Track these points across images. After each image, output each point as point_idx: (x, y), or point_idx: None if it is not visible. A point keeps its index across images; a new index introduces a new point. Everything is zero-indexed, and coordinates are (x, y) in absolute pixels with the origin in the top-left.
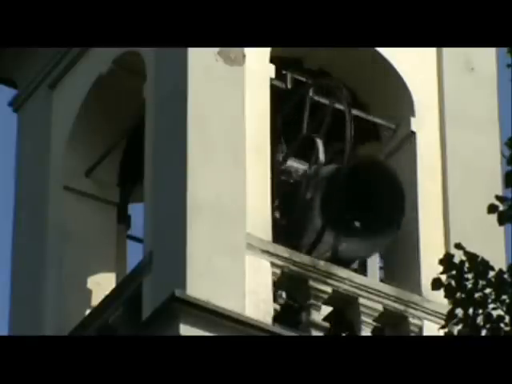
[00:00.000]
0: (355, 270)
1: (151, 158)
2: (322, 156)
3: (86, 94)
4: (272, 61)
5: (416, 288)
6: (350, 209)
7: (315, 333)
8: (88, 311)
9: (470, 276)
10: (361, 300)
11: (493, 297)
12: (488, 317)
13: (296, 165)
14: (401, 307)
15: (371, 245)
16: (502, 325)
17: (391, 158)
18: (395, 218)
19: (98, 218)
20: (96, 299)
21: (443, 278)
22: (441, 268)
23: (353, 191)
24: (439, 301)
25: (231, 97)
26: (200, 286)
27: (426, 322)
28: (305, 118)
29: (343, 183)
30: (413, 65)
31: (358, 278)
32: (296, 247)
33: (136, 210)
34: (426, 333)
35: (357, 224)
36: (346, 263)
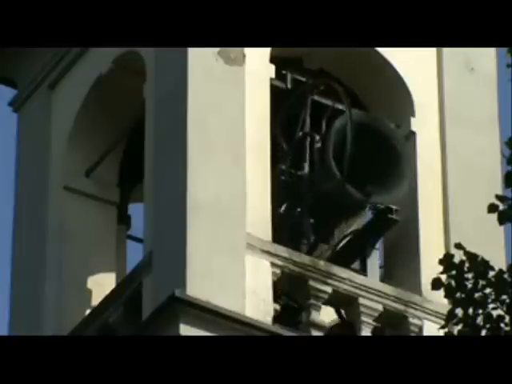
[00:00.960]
0: (355, 270)
1: (151, 158)
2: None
3: (86, 94)
4: (272, 61)
5: (416, 288)
6: (357, 170)
7: (315, 333)
8: (88, 311)
9: (470, 276)
10: (361, 300)
11: (493, 297)
12: (488, 317)
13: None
14: (401, 307)
15: (390, 192)
16: (502, 325)
17: None
18: (398, 177)
19: (98, 217)
20: (96, 299)
21: (443, 277)
22: (441, 268)
23: (360, 147)
24: (439, 301)
25: (231, 97)
26: (200, 286)
27: (426, 322)
28: (306, 117)
29: (351, 139)
30: (413, 65)
31: (358, 278)
32: (299, 245)
33: (136, 210)
34: (425, 333)
35: (369, 188)
36: (346, 263)
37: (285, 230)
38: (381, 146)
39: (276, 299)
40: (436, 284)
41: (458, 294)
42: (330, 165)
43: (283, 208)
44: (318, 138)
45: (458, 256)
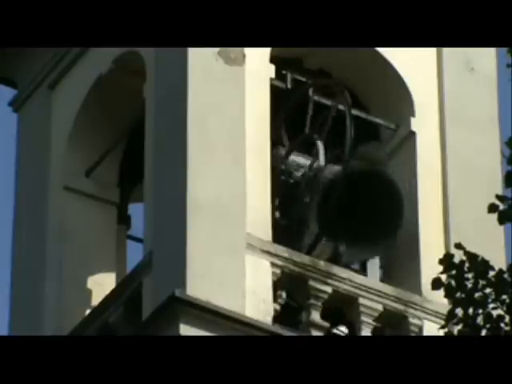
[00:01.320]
0: (355, 270)
1: (151, 157)
2: (322, 158)
3: (86, 94)
4: (272, 61)
5: (416, 288)
6: (347, 216)
7: (315, 333)
8: (88, 311)
9: (470, 276)
10: (361, 300)
11: (493, 296)
12: (488, 316)
13: (298, 160)
14: (401, 307)
15: (370, 249)
16: (502, 324)
17: (391, 158)
18: (393, 225)
19: (98, 217)
20: (96, 299)
21: (443, 277)
22: (441, 268)
23: (350, 199)
24: (439, 301)
25: (231, 97)
26: (200, 286)
27: (426, 322)
28: (307, 118)
29: (340, 191)
30: (413, 65)
31: (358, 278)
32: (296, 247)
33: (136, 210)
34: (425, 333)
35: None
36: (346, 263)
37: (284, 229)
38: (377, 198)
39: (276, 298)
40: (436, 284)
41: (458, 294)
42: (309, 221)
43: (282, 208)
44: (319, 140)
45: (458, 256)
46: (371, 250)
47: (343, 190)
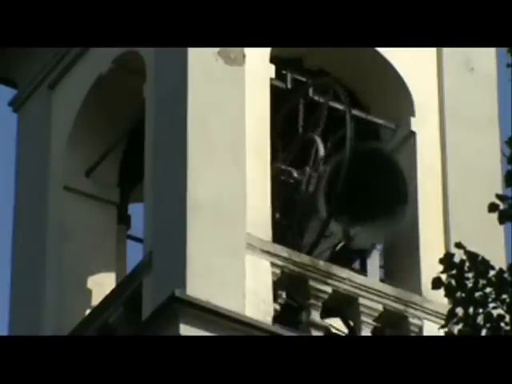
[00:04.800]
0: (355, 270)
1: (151, 157)
2: (321, 151)
3: (86, 94)
4: (272, 61)
5: (416, 288)
6: (353, 199)
7: (315, 333)
8: (88, 311)
9: (470, 275)
10: (361, 300)
11: (493, 296)
12: (488, 316)
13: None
14: (401, 307)
15: (378, 232)
16: (502, 324)
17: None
18: (399, 205)
19: (98, 217)
20: (96, 299)
21: (443, 277)
22: (441, 267)
23: (355, 181)
24: (439, 301)
25: (231, 97)
26: (200, 286)
27: (426, 322)
28: (301, 117)
29: (345, 174)
30: (413, 65)
31: (358, 278)
32: (298, 246)
33: (136, 210)
34: (425, 333)
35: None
36: (346, 263)
37: (284, 229)
38: (383, 177)
39: (276, 298)
40: (436, 283)
41: (459, 294)
42: (318, 203)
43: (283, 208)
44: (319, 140)
45: (459, 255)
46: (377, 233)
47: (347, 174)
